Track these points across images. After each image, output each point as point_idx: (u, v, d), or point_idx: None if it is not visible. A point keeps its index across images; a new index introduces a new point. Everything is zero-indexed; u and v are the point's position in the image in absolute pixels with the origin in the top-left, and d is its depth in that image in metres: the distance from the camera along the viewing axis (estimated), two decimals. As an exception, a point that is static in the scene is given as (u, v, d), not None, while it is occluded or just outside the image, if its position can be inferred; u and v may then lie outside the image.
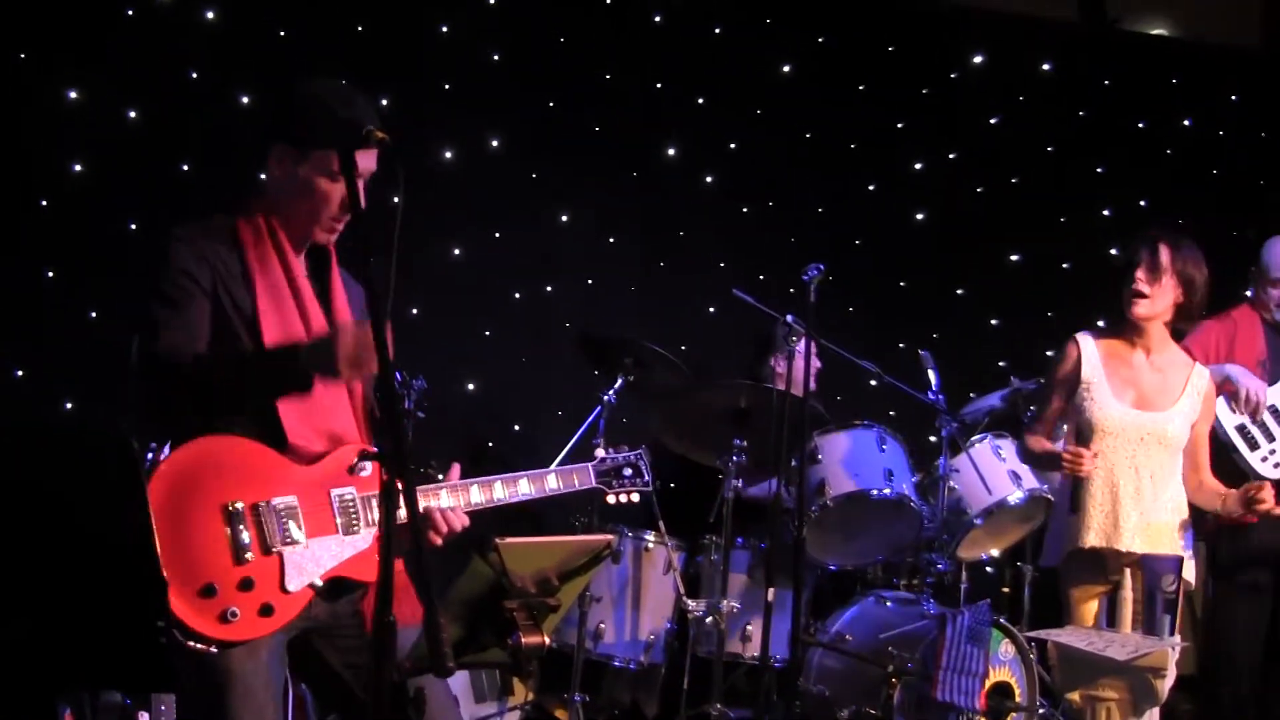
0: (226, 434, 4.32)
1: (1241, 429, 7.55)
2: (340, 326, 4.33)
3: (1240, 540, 7.56)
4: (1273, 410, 7.62)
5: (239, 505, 4.25)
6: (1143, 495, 6.32)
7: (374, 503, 4.46)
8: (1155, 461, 6.37)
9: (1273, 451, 7.56)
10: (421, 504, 4.53)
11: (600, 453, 5.21)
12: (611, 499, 5.19)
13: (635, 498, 5.19)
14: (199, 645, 4.16)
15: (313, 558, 4.36)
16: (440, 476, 4.65)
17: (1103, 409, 6.38)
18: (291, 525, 4.32)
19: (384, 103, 8.97)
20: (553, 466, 5.11)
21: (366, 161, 4.51)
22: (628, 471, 5.23)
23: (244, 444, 4.33)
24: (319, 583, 4.37)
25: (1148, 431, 6.38)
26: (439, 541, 4.55)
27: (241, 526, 4.24)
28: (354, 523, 4.46)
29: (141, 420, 4.47)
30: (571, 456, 8.11)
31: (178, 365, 4.28)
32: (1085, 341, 6.54)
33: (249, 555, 4.24)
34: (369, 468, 4.46)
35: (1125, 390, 6.47)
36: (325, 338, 4.33)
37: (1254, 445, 7.55)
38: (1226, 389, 7.51)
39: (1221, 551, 7.69)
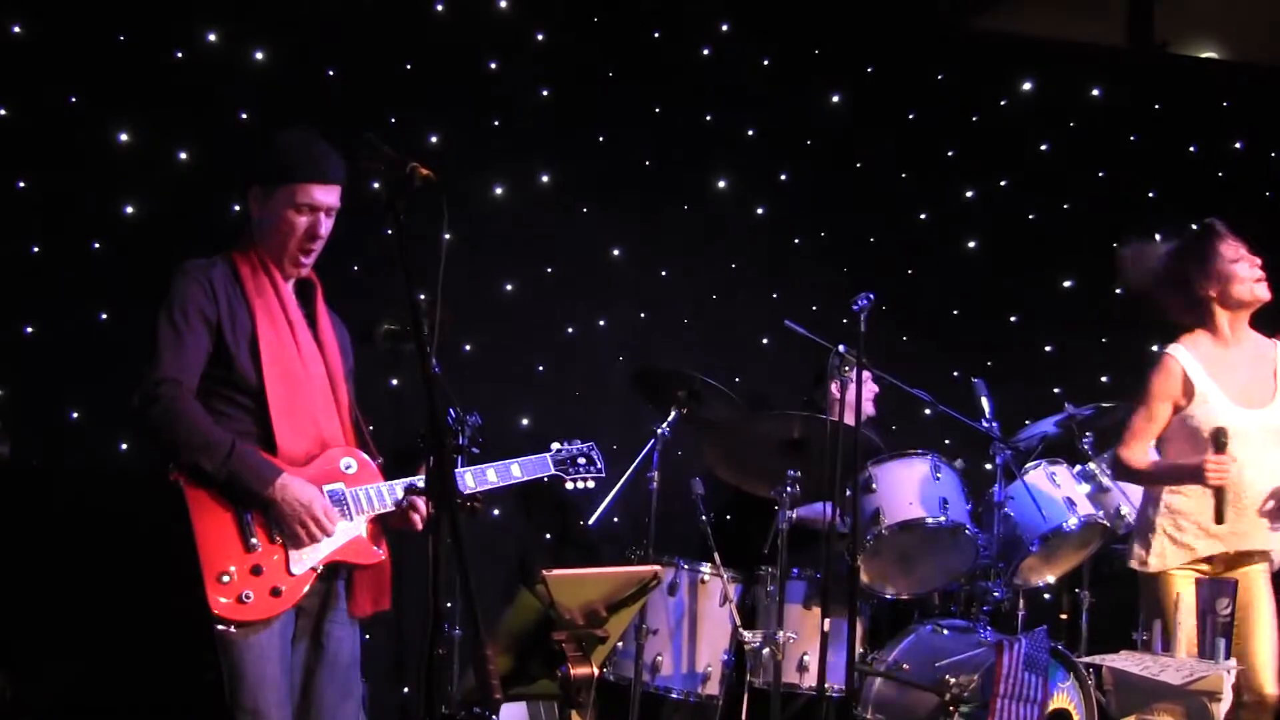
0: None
1: None
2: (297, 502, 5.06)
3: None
4: None
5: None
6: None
7: (362, 495, 5.27)
8: (1276, 455, 6.50)
9: None
10: (400, 493, 5.35)
11: (555, 445, 6.01)
12: (569, 485, 6.02)
13: (591, 484, 6.01)
14: (223, 628, 4.91)
15: (312, 545, 5.10)
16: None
17: (1220, 415, 6.42)
18: None
19: (433, 140, 9.04)
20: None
21: (326, 196, 5.30)
22: (582, 461, 6.10)
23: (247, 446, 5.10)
24: (319, 567, 5.14)
25: (1264, 426, 6.43)
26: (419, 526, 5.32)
27: (250, 520, 5.02)
28: (345, 513, 5.22)
29: (141, 433, 5.38)
30: (625, 490, 8.12)
31: (169, 384, 5.04)
32: (1180, 353, 6.60)
33: (256, 544, 5.00)
34: (355, 465, 5.33)
35: (1233, 391, 6.51)
36: (291, 486, 5.06)
37: None
38: None
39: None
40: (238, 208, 8.94)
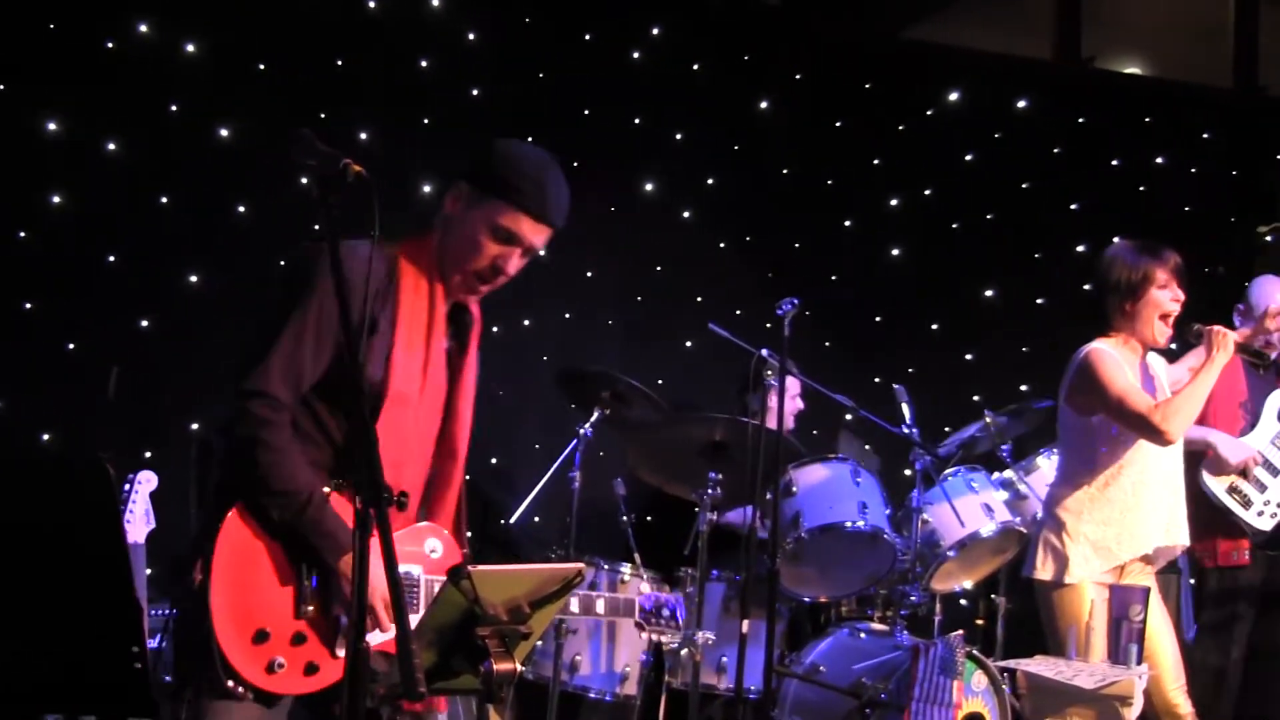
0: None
1: (1232, 489, 7.65)
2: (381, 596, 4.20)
3: (1228, 576, 7.78)
4: (1262, 461, 7.71)
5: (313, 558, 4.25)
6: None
7: (434, 585, 4.48)
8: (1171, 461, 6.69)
9: (1266, 504, 7.67)
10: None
11: (646, 587, 5.64)
12: (642, 636, 5.64)
13: (666, 638, 5.63)
14: (236, 686, 4.11)
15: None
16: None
17: None
18: None
19: (363, 137, 9.03)
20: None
21: (534, 235, 4.57)
22: (665, 612, 5.60)
23: (334, 498, 4.29)
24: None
25: None
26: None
27: (310, 580, 4.26)
28: (413, 602, 4.47)
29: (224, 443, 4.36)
30: (547, 489, 8.15)
31: (267, 402, 4.23)
32: (1106, 345, 6.64)
33: (309, 609, 4.23)
34: (441, 550, 4.58)
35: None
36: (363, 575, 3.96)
37: (1247, 504, 7.65)
38: (1208, 454, 7.62)
39: (1210, 585, 7.90)
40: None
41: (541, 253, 4.66)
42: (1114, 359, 6.50)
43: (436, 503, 4.71)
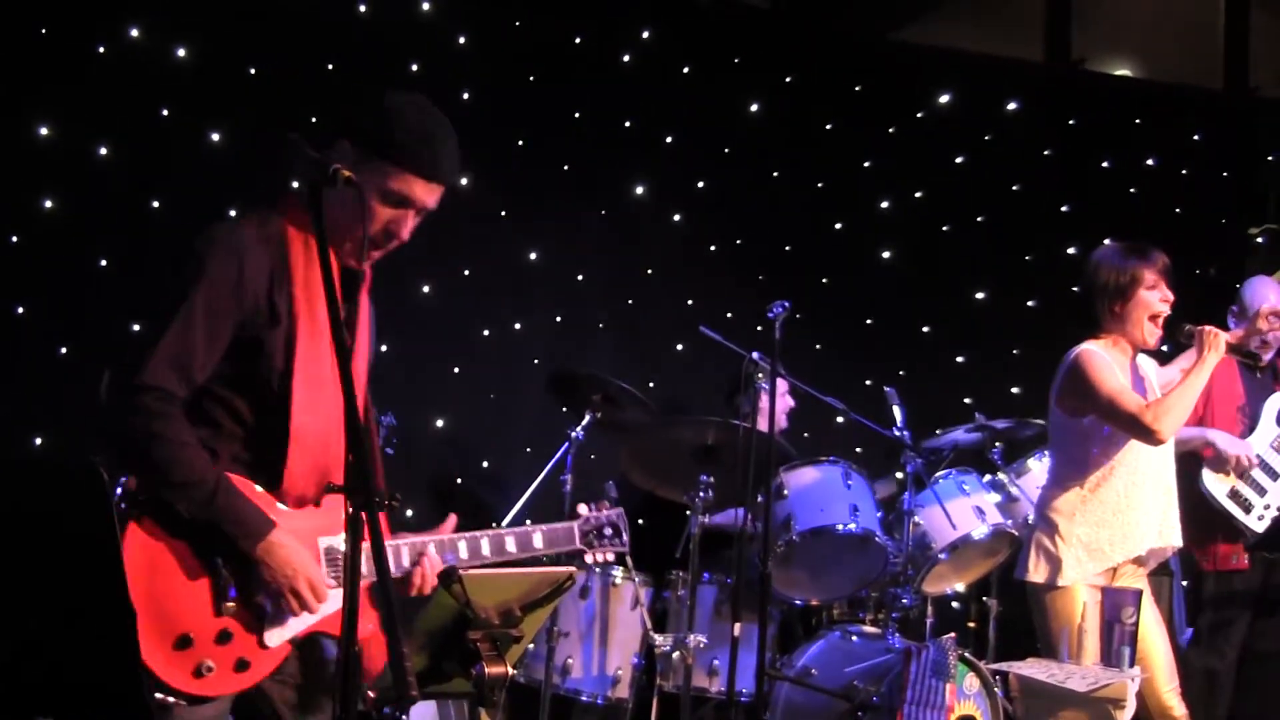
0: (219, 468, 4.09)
1: (1233, 494, 7.66)
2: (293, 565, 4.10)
3: (1226, 580, 7.79)
4: (1259, 462, 7.72)
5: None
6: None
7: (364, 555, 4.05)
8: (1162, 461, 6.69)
9: (1266, 507, 7.68)
10: (408, 557, 4.43)
11: (583, 509, 5.07)
12: (589, 558, 5.08)
13: (611, 557, 5.12)
14: (165, 697, 3.96)
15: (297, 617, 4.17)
16: (408, 513, 4.57)
17: None
18: None
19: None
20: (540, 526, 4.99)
21: (428, 196, 4.37)
22: (608, 531, 5.12)
23: (241, 483, 4.12)
24: (299, 638, 4.20)
25: None
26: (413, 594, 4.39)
27: (224, 573, 4.07)
28: (339, 574, 4.21)
29: (109, 442, 4.14)
30: (539, 493, 8.15)
31: (157, 395, 4.03)
32: (1096, 346, 6.64)
33: (229, 605, 4.06)
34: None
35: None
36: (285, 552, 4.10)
37: (1248, 508, 7.66)
38: (1207, 454, 7.62)
39: (1207, 589, 7.92)
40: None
41: (431, 207, 4.41)
42: (1104, 360, 6.51)
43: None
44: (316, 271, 4.17)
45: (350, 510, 3.44)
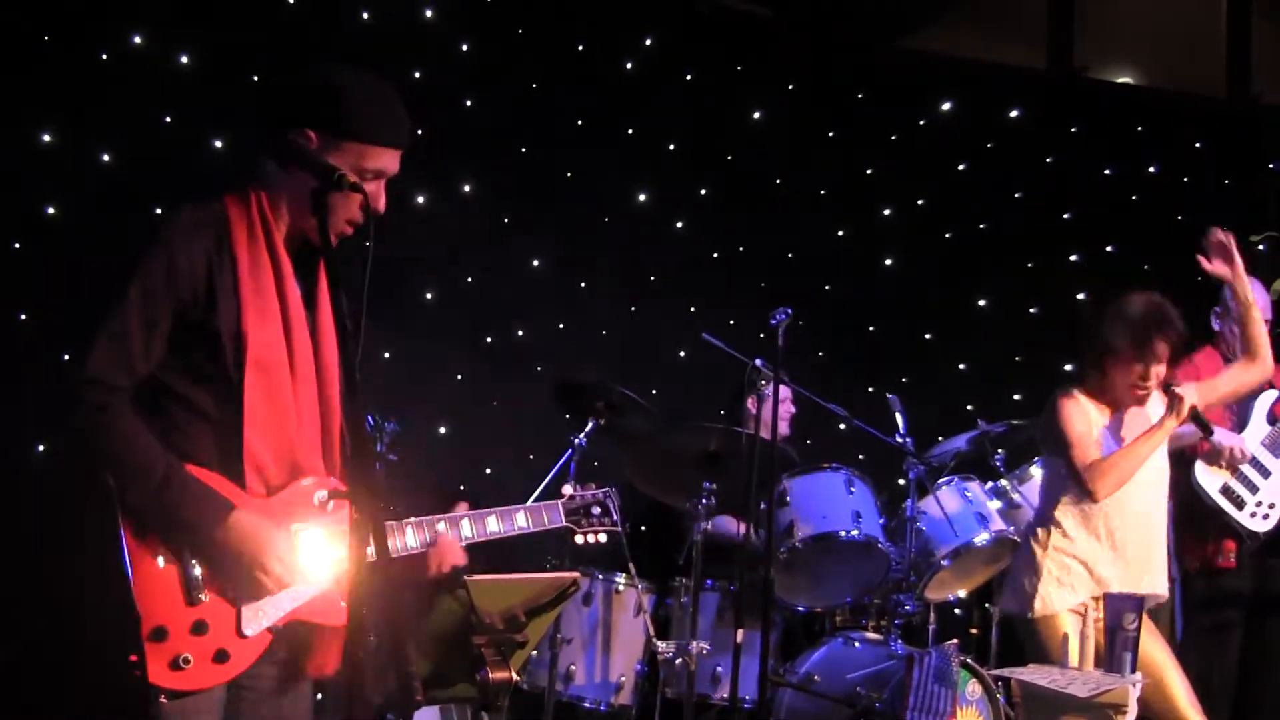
0: (180, 458, 4.01)
1: (1226, 490, 7.67)
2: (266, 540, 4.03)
3: (1215, 582, 7.79)
4: (1250, 459, 7.74)
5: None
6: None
7: (339, 539, 4.16)
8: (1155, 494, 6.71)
9: (1259, 504, 7.69)
10: (395, 540, 4.39)
11: (568, 489, 5.00)
12: (579, 539, 4.97)
13: (603, 538, 5.00)
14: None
15: (271, 599, 4.08)
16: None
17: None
18: None
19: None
20: (523, 505, 4.87)
21: (396, 164, 4.35)
22: (596, 510, 5.01)
23: (199, 472, 4.02)
24: (279, 626, 4.09)
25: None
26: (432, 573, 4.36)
27: (195, 564, 3.98)
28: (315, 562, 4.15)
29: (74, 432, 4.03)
30: (542, 500, 8.15)
31: (98, 388, 3.96)
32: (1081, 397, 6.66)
33: (203, 596, 3.97)
34: (330, 501, 4.21)
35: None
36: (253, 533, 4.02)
37: (1240, 504, 7.67)
38: (1203, 448, 7.63)
39: (1197, 591, 7.92)
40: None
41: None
42: (1078, 407, 6.58)
43: (326, 455, 4.30)
44: (263, 254, 4.16)
45: (355, 517, 3.42)
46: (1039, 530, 6.68)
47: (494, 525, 4.65)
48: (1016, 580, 6.73)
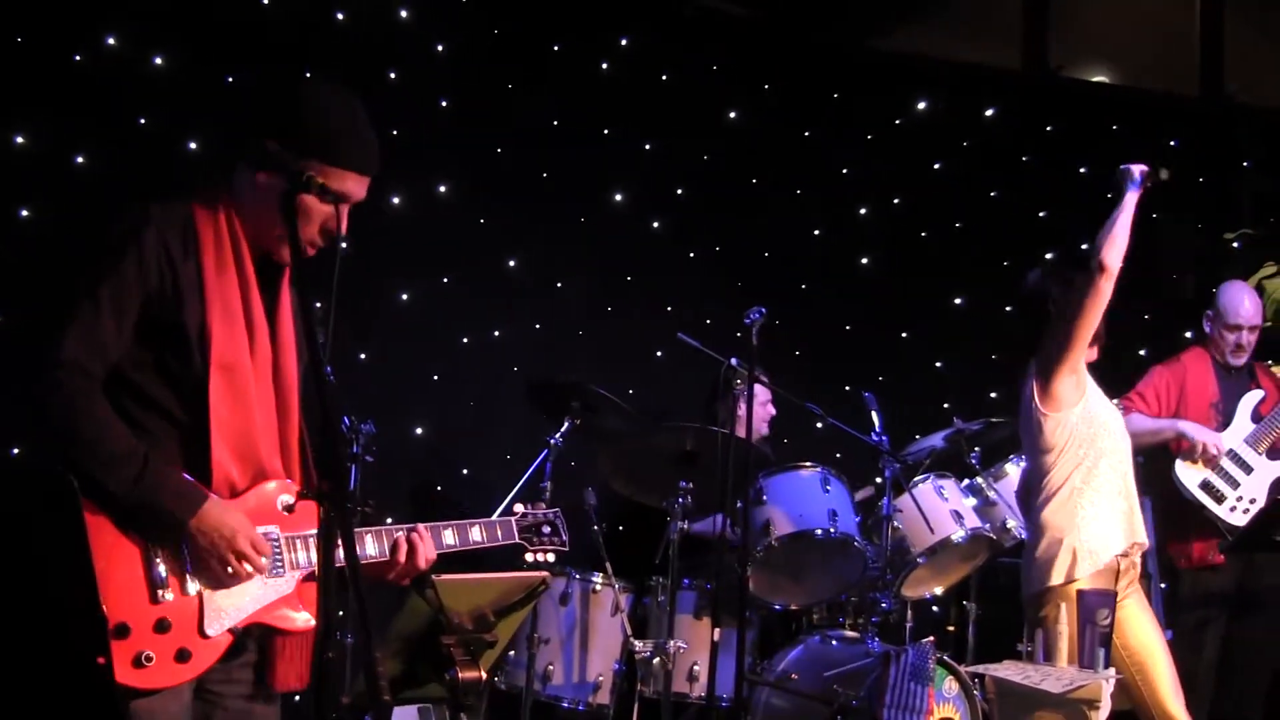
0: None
1: (1205, 485, 7.71)
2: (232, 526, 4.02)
3: (1200, 580, 7.84)
4: (1231, 455, 7.78)
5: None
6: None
7: (299, 543, 4.22)
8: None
9: (1239, 499, 7.73)
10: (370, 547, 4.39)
11: (520, 507, 5.02)
12: (529, 556, 4.97)
13: (551, 557, 5.01)
14: None
15: (233, 600, 4.06)
16: (388, 520, 4.53)
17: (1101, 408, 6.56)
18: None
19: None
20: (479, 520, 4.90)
21: (361, 189, 4.27)
22: (546, 529, 5.05)
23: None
24: (239, 628, 4.08)
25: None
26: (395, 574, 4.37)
27: (159, 561, 3.95)
28: (277, 564, 4.16)
29: (37, 421, 4.04)
30: (518, 500, 8.15)
31: (74, 370, 3.95)
32: None
33: (167, 594, 3.94)
34: (295, 503, 4.22)
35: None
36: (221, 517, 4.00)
37: (1220, 498, 7.71)
38: (1182, 445, 7.66)
39: (1184, 589, 7.97)
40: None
41: (361, 199, 4.29)
42: None
43: (285, 462, 4.29)
44: (229, 258, 4.15)
45: (325, 519, 3.43)
46: (1040, 505, 6.48)
47: (450, 538, 4.65)
48: (1035, 557, 6.45)
